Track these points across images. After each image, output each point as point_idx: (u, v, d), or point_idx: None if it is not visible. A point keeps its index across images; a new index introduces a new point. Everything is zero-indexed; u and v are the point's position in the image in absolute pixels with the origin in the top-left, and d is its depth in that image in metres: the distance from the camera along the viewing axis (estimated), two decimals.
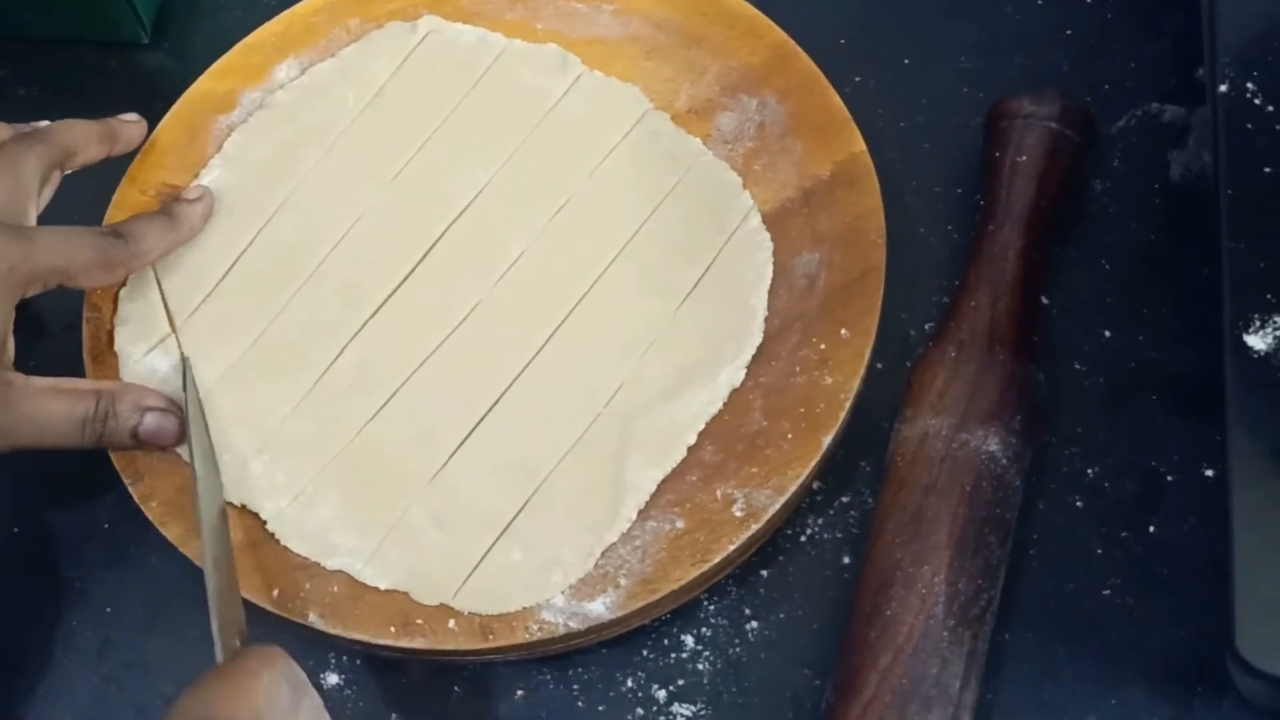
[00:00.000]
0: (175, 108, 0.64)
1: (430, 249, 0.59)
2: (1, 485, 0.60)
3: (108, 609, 0.58)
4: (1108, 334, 0.57)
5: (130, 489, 0.56)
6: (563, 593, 0.51)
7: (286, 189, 0.61)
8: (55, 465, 0.56)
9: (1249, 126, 0.49)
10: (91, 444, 0.54)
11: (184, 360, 0.58)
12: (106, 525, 0.60)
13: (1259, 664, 0.43)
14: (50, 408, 0.53)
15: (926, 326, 0.58)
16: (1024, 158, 0.57)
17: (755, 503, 0.52)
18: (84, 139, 0.59)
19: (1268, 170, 0.49)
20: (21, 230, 0.54)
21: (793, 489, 0.52)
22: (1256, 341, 0.46)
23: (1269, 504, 0.44)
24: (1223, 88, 0.50)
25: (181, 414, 0.56)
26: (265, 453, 0.55)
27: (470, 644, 0.51)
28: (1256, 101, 0.50)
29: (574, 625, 0.51)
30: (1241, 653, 0.43)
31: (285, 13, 0.66)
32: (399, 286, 0.58)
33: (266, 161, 0.62)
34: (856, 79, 0.64)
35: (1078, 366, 0.57)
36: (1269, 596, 0.43)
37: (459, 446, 0.55)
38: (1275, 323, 0.46)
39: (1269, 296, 0.47)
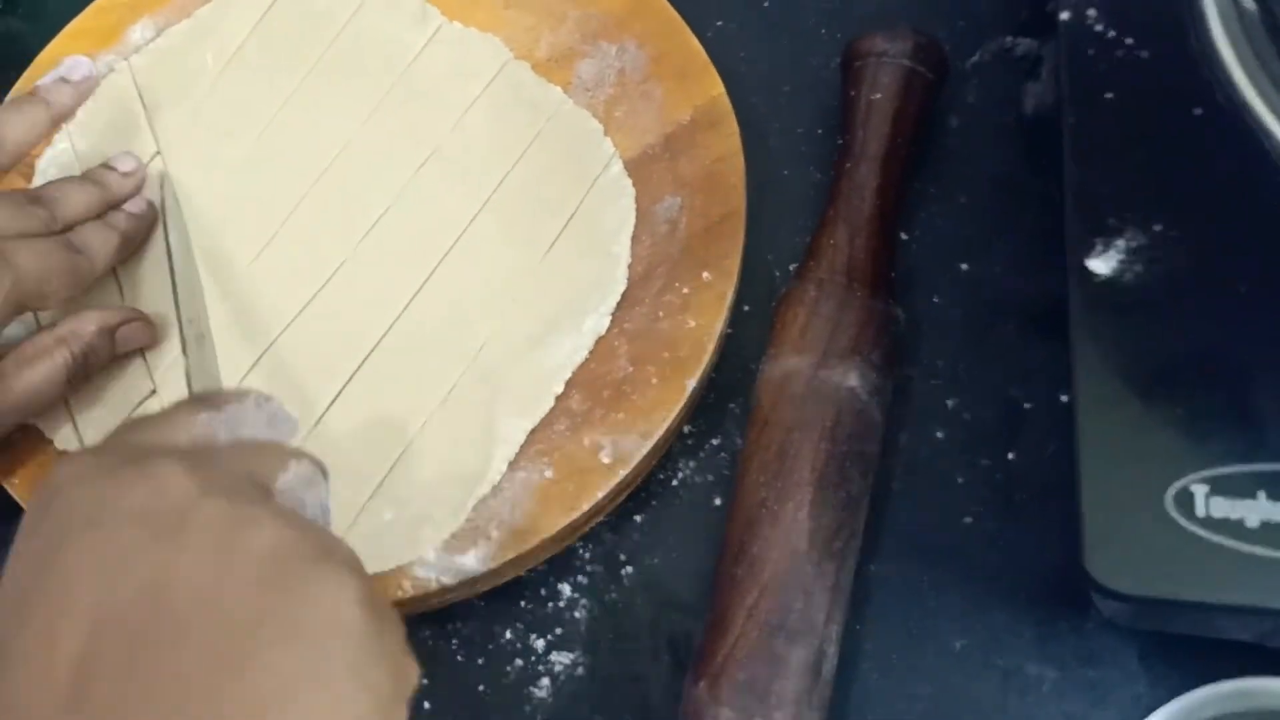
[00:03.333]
0: (27, 74, 0.63)
1: (294, 209, 0.59)
2: None
3: None
4: (965, 266, 0.58)
5: None
6: (434, 548, 0.51)
7: (146, 156, 0.60)
8: None
9: (1090, 53, 0.50)
10: (81, 385, 0.54)
11: (163, 177, 0.58)
12: None
13: (1107, 582, 0.44)
14: (31, 381, 0.52)
15: (791, 267, 0.59)
16: (878, 96, 0.57)
17: (623, 449, 0.52)
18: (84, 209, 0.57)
19: (1109, 96, 0.49)
20: (2, 253, 0.52)
21: (659, 433, 0.52)
22: (1099, 265, 0.47)
23: (1113, 426, 0.45)
24: (1064, 15, 0.51)
25: (141, 314, 0.56)
26: None
27: None
28: (1098, 28, 0.50)
29: (447, 580, 0.51)
30: (1090, 572, 0.44)
31: None
32: (263, 249, 0.58)
33: (123, 128, 0.61)
34: (719, 23, 0.64)
35: (936, 299, 0.58)
36: (1115, 516, 0.44)
37: (328, 408, 0.55)
38: (1117, 246, 0.47)
39: (1110, 221, 0.47)
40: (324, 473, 0.42)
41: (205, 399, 0.43)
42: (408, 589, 0.51)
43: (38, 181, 0.60)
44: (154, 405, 0.55)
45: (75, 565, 0.35)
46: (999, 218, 0.59)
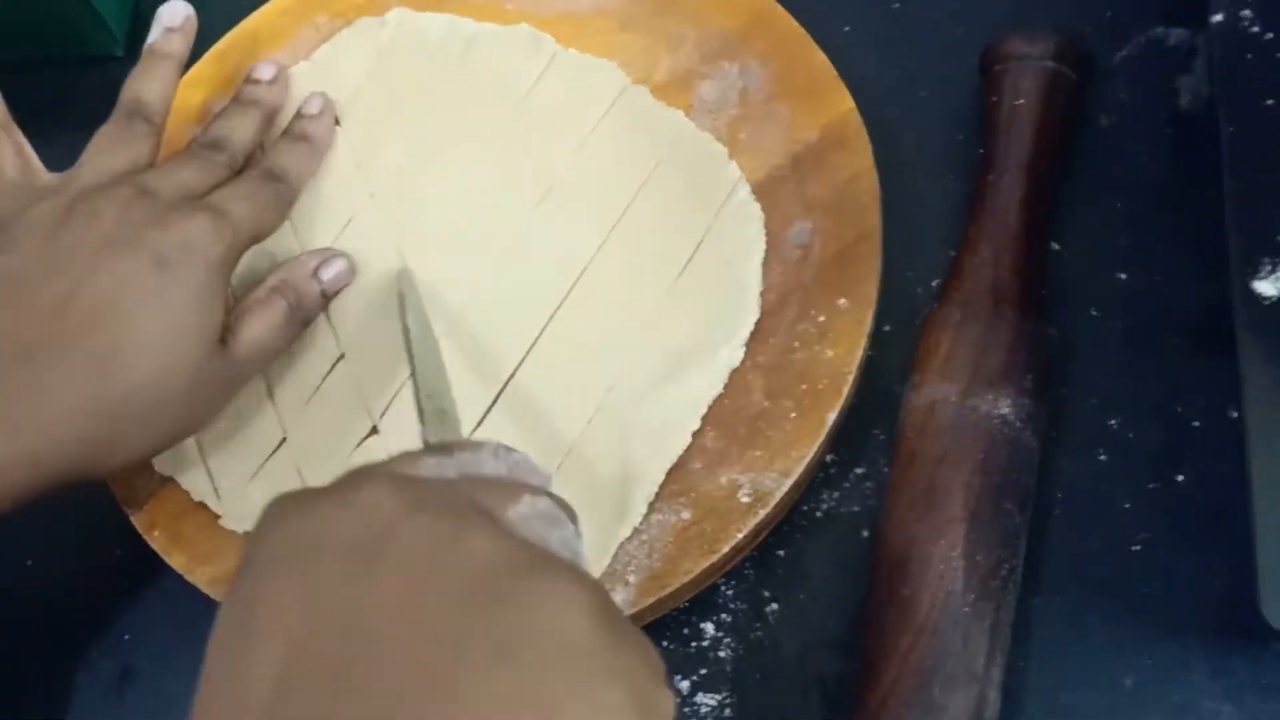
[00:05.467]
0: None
1: (418, 249, 0.58)
2: (12, 523, 0.60)
3: (126, 637, 0.58)
4: (1123, 276, 0.55)
5: (133, 520, 0.55)
6: None
7: None
8: (61, 498, 0.55)
9: (1247, 57, 0.46)
10: (300, 331, 0.56)
11: (401, 271, 0.57)
12: (119, 553, 0.59)
13: None
14: (257, 333, 0.53)
15: (934, 283, 0.56)
16: (1021, 101, 0.54)
17: (762, 487, 0.50)
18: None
19: (1269, 103, 0.46)
20: (215, 207, 0.53)
21: (799, 470, 0.50)
22: (1266, 287, 0.44)
23: None
24: (1217, 17, 0.47)
25: (337, 251, 0.57)
26: (261, 479, 0.55)
27: None
28: (1254, 29, 0.47)
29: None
30: (1269, 619, 0.41)
31: (252, 16, 0.64)
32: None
33: None
34: (845, 29, 0.62)
35: (1093, 313, 0.54)
36: None
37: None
38: None
39: (1278, 239, 0.44)
40: (571, 515, 0.39)
41: (434, 446, 0.41)
42: None
43: None
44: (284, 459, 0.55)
45: (273, 600, 0.34)
46: (1157, 222, 0.55)
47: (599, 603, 0.34)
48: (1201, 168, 0.55)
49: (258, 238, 0.55)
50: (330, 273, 0.56)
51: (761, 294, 0.54)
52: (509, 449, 0.41)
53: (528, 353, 0.54)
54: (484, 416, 0.54)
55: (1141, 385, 0.53)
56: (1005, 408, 0.49)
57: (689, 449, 0.52)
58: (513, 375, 0.54)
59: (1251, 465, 0.41)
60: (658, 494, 0.51)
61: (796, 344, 0.52)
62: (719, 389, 0.53)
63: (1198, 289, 0.54)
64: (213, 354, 0.51)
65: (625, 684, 0.33)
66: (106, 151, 0.55)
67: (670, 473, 0.52)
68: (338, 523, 0.35)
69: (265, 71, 0.61)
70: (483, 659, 0.32)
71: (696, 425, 0.52)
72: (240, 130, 0.58)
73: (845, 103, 0.55)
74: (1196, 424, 0.52)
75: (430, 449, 0.41)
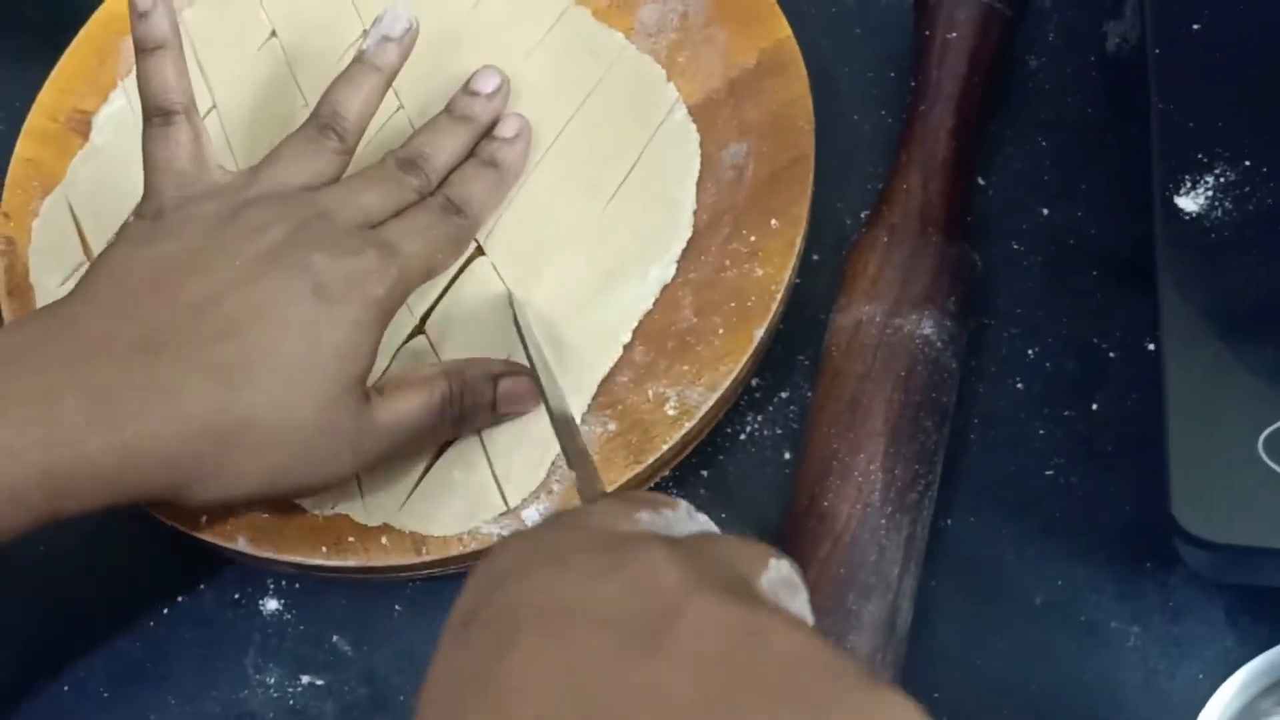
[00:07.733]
0: (83, 31, 0.62)
1: (353, 162, 0.57)
2: None
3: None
4: (1045, 212, 0.56)
5: None
6: None
7: (203, 108, 0.60)
8: None
9: None
10: (451, 428, 0.50)
11: (509, 297, 0.53)
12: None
13: (1196, 530, 0.42)
14: (407, 405, 0.49)
15: (863, 215, 0.57)
16: (954, 35, 0.55)
17: (688, 401, 0.51)
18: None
19: (1195, 27, 0.47)
20: (388, 244, 0.49)
21: (725, 385, 0.51)
22: (1187, 203, 0.45)
23: (1202, 368, 0.43)
24: None
25: (525, 369, 0.51)
26: None
27: (403, 559, 0.50)
28: None
29: (509, 535, 0.50)
30: (1178, 519, 0.42)
31: None
32: None
33: None
34: None
35: (1016, 246, 0.56)
36: (1204, 461, 0.42)
37: (389, 364, 0.53)
38: (1206, 183, 0.45)
39: (1199, 156, 0.45)
40: (802, 576, 0.36)
41: (638, 498, 0.38)
42: (469, 544, 0.50)
43: (96, 139, 0.60)
44: None
45: (522, 679, 0.29)
46: (1080, 161, 0.57)
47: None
48: (1126, 110, 0.57)
49: (428, 278, 0.51)
50: (508, 386, 0.51)
51: (695, 213, 0.54)
52: (694, 508, 0.38)
53: (465, 265, 0.54)
54: (420, 325, 0.54)
55: (1059, 317, 0.54)
56: (928, 328, 0.50)
57: (617, 362, 0.52)
58: (449, 287, 0.54)
59: (1166, 367, 0.42)
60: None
61: (727, 262, 0.53)
62: (649, 305, 0.53)
63: (1116, 226, 0.55)
64: (349, 398, 0.47)
65: None
66: (290, 163, 0.51)
67: (599, 385, 0.52)
68: (607, 589, 0.30)
69: (487, 83, 0.55)
70: None
71: (627, 338, 0.53)
72: (444, 151, 0.54)
73: (783, 30, 0.56)
74: (1112, 355, 0.53)
75: (635, 500, 0.37)
